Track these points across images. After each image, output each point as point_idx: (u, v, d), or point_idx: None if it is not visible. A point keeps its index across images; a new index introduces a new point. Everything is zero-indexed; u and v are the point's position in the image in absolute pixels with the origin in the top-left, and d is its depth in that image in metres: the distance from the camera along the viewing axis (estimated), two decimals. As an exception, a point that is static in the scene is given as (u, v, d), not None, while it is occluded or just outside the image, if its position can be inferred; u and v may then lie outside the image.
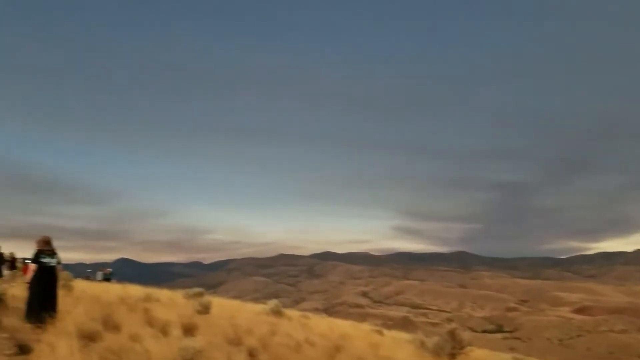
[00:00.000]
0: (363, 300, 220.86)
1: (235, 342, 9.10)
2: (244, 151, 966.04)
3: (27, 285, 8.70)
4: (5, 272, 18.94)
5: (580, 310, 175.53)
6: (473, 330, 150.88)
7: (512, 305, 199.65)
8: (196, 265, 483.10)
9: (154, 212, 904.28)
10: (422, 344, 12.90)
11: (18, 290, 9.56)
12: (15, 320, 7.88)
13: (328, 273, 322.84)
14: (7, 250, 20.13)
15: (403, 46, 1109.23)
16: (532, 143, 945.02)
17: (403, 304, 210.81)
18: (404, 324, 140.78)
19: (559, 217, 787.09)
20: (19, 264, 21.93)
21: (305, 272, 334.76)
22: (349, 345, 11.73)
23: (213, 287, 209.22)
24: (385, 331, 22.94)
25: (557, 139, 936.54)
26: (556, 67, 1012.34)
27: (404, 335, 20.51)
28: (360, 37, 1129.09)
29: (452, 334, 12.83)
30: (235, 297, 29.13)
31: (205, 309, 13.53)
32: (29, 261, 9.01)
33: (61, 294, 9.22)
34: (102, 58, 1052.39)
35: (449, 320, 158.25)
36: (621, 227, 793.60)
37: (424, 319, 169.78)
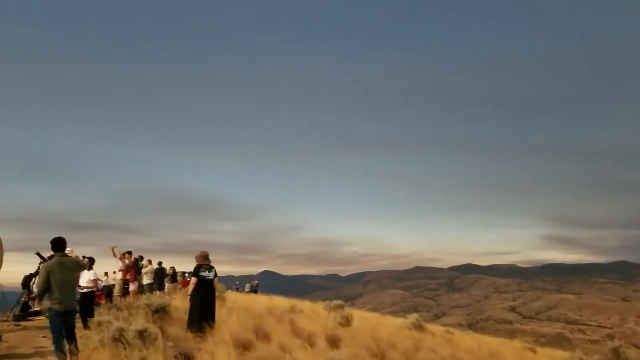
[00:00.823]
0: (511, 316, 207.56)
1: (378, 355, 9.08)
2: (379, 163, 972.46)
3: (188, 297, 9.59)
4: (167, 285, 21.05)
5: None
6: (638, 347, 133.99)
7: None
8: (333, 277, 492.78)
9: (294, 226, 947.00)
10: (583, 364, 11.78)
11: (179, 302, 10.55)
12: (178, 330, 8.73)
13: (470, 286, 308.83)
14: (168, 265, 22.33)
15: (548, 42, 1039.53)
16: None
17: (557, 320, 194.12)
18: (559, 341, 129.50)
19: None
20: (179, 277, 24.34)
21: (444, 286, 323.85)
22: (499, 363, 11.11)
23: (350, 300, 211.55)
24: (539, 349, 21.32)
25: None
26: None
27: (560, 353, 18.95)
28: (503, 38, 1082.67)
29: (616, 351, 11.55)
30: (373, 310, 29.25)
31: (346, 322, 13.72)
32: (189, 275, 9.93)
33: (217, 305, 10.01)
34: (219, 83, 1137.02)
35: (610, 336, 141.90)
36: None
37: (581, 336, 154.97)
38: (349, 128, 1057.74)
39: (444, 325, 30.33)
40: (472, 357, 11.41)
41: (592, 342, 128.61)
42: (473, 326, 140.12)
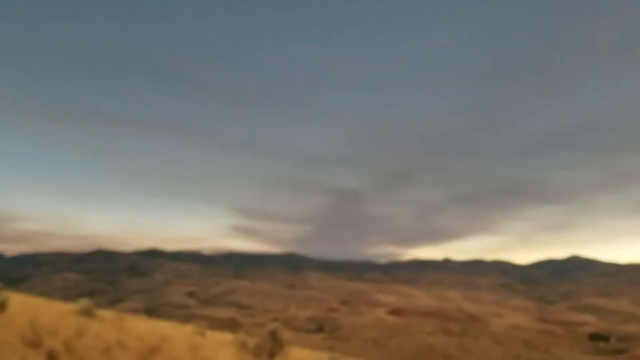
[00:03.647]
0: (190, 301, 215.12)
1: (33, 343, 8.07)
2: (68, 136, 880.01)
3: None
4: None
5: (394, 312, 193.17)
6: (296, 330, 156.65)
7: (334, 306, 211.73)
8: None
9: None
10: (244, 345, 12.90)
11: None
12: None
13: (154, 272, 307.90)
14: None
15: (258, 44, 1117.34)
16: (369, 153, 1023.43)
17: (232, 305, 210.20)
18: (231, 325, 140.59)
19: (382, 224, 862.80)
20: None
21: (126, 270, 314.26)
22: (167, 348, 11.23)
23: (15, 283, 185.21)
24: (209, 332, 22.52)
25: (390, 151, 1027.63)
26: (399, 82, 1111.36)
27: (227, 337, 20.36)
28: (209, 25, 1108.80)
29: (272, 333, 13.04)
30: (42, 295, 26.11)
31: (0, 306, 11.82)
32: None
33: None
34: None
35: (275, 320, 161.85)
36: (433, 237, 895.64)
37: (250, 320, 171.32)
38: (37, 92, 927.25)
39: (120, 311, 29.27)
40: (140, 343, 11.24)
41: (259, 325, 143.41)
42: (151, 311, 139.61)
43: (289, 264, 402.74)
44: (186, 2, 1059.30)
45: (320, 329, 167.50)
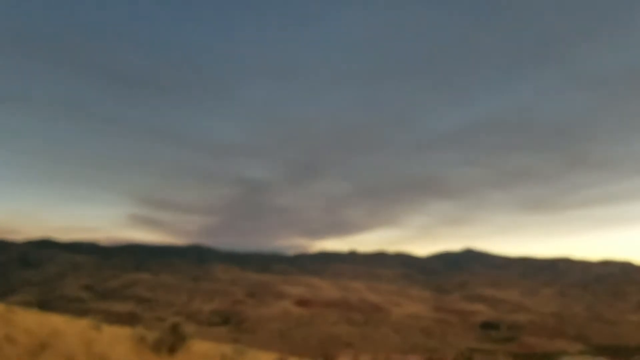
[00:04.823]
0: (85, 294, 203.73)
1: None
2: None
3: None
4: None
5: (300, 303, 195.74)
6: (200, 323, 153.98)
7: (240, 298, 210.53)
8: None
9: None
10: (142, 339, 12.55)
11: None
12: None
13: (46, 263, 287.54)
14: None
15: (170, 27, 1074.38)
16: (278, 144, 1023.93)
17: (131, 298, 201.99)
18: (130, 319, 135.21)
19: (290, 216, 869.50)
20: None
21: (17, 261, 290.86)
22: (59, 342, 10.68)
23: None
24: (106, 327, 21.64)
25: (300, 144, 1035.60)
26: (311, 74, 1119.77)
27: (125, 331, 19.70)
28: (119, 3, 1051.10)
29: (174, 327, 12.82)
30: None
31: None
32: None
33: None
34: None
35: (177, 314, 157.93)
36: (340, 229, 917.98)
37: (151, 314, 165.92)
38: None
39: (9, 303, 27.36)
40: (29, 337, 10.62)
41: (160, 319, 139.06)
42: (44, 305, 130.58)
43: (193, 256, 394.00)
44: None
45: (225, 321, 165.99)
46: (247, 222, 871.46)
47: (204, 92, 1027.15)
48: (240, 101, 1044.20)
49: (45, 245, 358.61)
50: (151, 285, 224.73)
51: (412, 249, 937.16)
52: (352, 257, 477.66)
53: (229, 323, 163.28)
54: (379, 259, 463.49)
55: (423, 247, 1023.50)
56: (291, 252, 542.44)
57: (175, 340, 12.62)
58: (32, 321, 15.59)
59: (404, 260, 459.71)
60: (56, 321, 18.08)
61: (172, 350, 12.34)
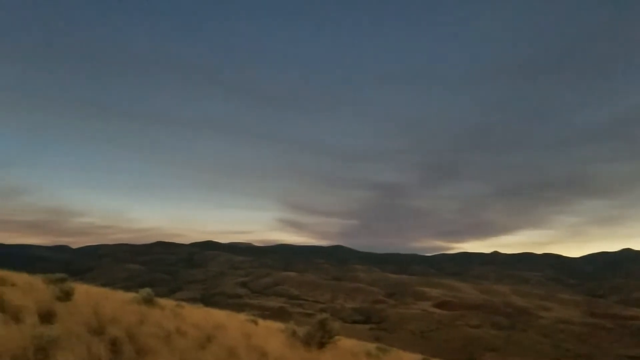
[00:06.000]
0: (242, 291, 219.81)
1: (97, 331, 8.57)
2: (127, 135, 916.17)
3: None
4: None
5: (440, 305, 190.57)
6: (344, 320, 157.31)
7: (381, 297, 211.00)
8: (62, 249, 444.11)
9: (13, 189, 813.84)
10: (294, 333, 13.18)
11: None
12: None
13: (208, 262, 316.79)
14: None
15: (295, 41, 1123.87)
16: (409, 147, 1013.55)
17: (281, 295, 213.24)
18: (280, 314, 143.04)
19: (427, 218, 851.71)
20: None
21: (184, 261, 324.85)
22: (222, 335, 11.64)
23: (81, 274, 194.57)
24: (261, 321, 23.10)
25: (432, 146, 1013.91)
26: (437, 77, 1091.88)
27: (278, 325, 20.81)
28: (247, 27, 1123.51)
29: (322, 323, 13.24)
30: (105, 285, 27.43)
31: (66, 296, 12.56)
32: None
33: None
34: None
35: (322, 310, 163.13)
36: (479, 231, 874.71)
37: (299, 310, 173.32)
38: (93, 93, 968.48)
39: (178, 299, 30.37)
40: (197, 330, 11.72)
41: (307, 315, 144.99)
42: (207, 300, 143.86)
43: (335, 257, 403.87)
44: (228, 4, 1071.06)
45: (366, 320, 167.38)
46: (383, 224, 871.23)
47: (335, 102, 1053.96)
48: (367, 106, 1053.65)
49: (208, 247, 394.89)
50: (298, 283, 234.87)
51: (561, 251, 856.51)
52: (495, 259, 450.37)
53: (370, 321, 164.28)
54: (525, 261, 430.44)
55: (573, 249, 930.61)
56: (427, 253, 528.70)
57: (323, 335, 13.06)
58: (198, 315, 17.18)
59: (553, 262, 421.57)
60: (219, 316, 19.68)
61: (321, 345, 12.78)
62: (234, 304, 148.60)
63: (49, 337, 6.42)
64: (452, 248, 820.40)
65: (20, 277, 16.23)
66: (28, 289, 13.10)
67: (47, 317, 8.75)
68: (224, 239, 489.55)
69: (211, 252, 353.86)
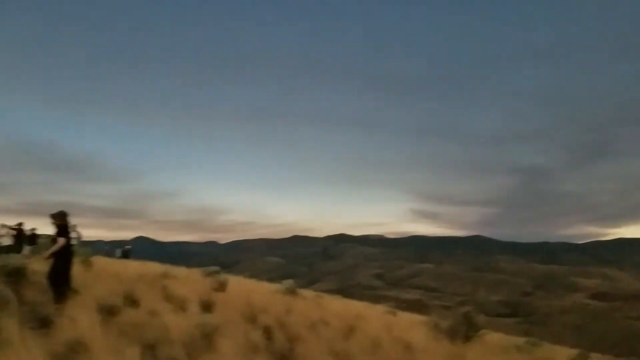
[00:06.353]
0: (377, 282, 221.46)
1: (251, 319, 9.22)
2: (263, 132, 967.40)
3: (49, 259, 8.62)
4: (26, 247, 19.25)
5: (596, 296, 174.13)
6: (487, 314, 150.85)
7: (528, 289, 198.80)
8: (211, 244, 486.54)
9: (171, 192, 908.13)
10: (436, 326, 12.90)
11: (39, 265, 9.68)
12: (36, 294, 8.04)
13: (342, 255, 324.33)
14: (29, 226, 20.44)
15: (425, 25, 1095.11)
16: (553, 127, 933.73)
17: (417, 287, 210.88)
18: (418, 307, 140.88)
19: (577, 203, 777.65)
20: (41, 240, 22.24)
21: (319, 254, 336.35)
22: (364, 326, 11.81)
23: (228, 267, 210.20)
24: (399, 313, 23.02)
25: (578, 123, 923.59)
26: (578, 48, 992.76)
27: (417, 317, 20.57)
28: (379, 15, 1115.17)
29: (466, 316, 12.80)
30: (250, 277, 29.39)
31: (221, 287, 13.71)
32: (54, 236, 8.94)
33: (81, 269, 9.37)
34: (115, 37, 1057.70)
35: (463, 303, 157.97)
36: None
37: (437, 302, 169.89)
38: (233, 94, 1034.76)
39: (316, 291, 31.38)
40: (339, 320, 12.02)
41: (446, 308, 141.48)
42: (343, 292, 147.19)
43: (474, 247, 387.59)
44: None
45: (513, 313, 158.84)
46: (527, 211, 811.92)
47: (466, 86, 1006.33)
48: (504, 88, 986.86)
49: (342, 240, 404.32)
50: (435, 275, 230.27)
51: None
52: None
53: (517, 315, 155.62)
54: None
55: None
56: (581, 241, 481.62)
57: (468, 328, 12.62)
58: (339, 306, 17.64)
59: None
60: (358, 306, 20.03)
61: (466, 338, 12.36)
62: (370, 295, 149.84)
63: (211, 325, 7.05)
64: (608, 234, 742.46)
65: (180, 271, 18.05)
66: (188, 281, 14.51)
67: (207, 306, 9.61)
68: (356, 232, 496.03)
69: (344, 245, 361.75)
